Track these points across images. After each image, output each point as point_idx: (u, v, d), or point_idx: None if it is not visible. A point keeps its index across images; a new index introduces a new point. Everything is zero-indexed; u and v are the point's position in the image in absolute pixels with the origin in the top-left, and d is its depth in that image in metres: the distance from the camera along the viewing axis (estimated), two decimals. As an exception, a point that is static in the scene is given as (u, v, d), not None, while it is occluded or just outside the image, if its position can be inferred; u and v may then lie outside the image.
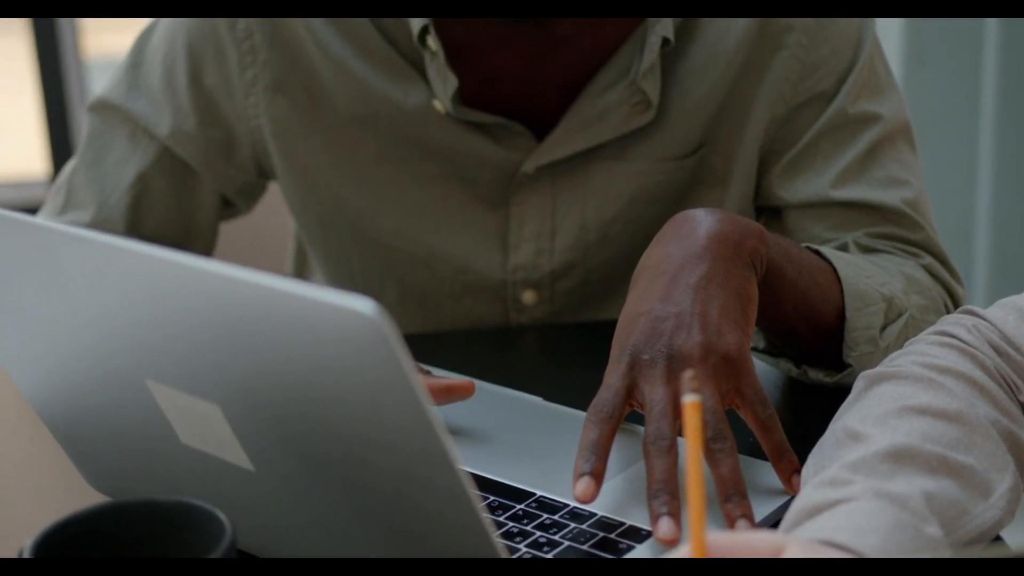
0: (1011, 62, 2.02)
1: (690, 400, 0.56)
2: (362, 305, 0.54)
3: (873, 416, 0.72)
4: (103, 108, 1.15)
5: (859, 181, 1.07)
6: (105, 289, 0.66)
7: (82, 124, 2.48)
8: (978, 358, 0.77)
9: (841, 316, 0.94)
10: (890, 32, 2.01)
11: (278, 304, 0.58)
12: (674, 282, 0.82)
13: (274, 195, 1.20)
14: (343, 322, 0.56)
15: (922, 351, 0.78)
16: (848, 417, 0.74)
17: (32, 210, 2.29)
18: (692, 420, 0.56)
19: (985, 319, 0.80)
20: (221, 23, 1.08)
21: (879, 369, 0.77)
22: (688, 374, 0.59)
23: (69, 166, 1.17)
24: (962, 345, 0.78)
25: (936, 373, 0.75)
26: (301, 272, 1.28)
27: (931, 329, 0.82)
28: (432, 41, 1.03)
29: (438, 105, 1.06)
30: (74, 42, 2.53)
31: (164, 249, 0.61)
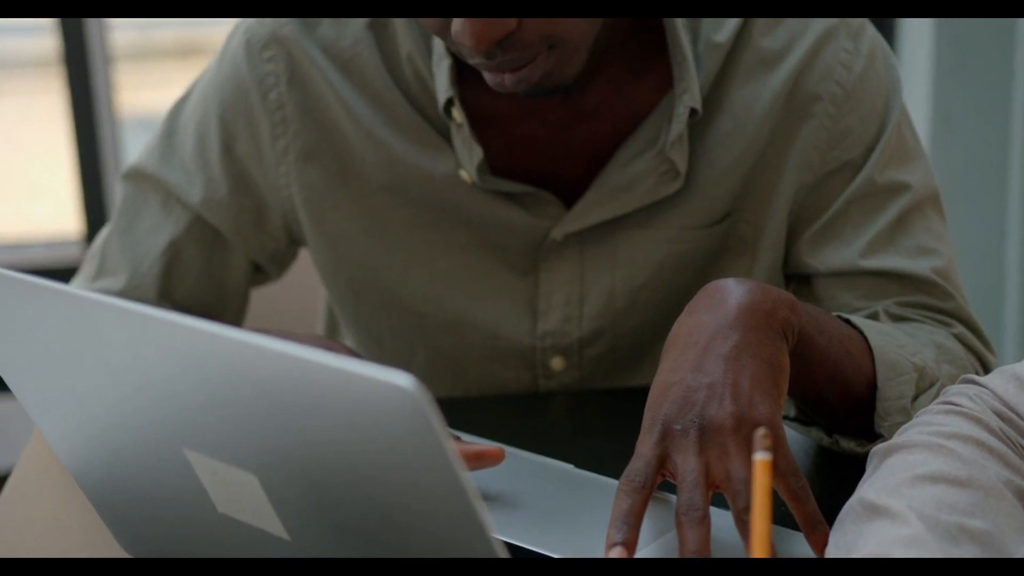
0: (1039, 125, 2.02)
1: (760, 458, 0.56)
2: (400, 379, 0.55)
3: (888, 487, 0.73)
4: (137, 176, 1.16)
5: (889, 250, 1.07)
6: (144, 359, 0.67)
7: (115, 183, 2.50)
8: (983, 421, 0.78)
9: (872, 386, 0.94)
10: (917, 95, 2.02)
11: (316, 376, 0.59)
12: (706, 352, 0.82)
13: (305, 261, 1.21)
14: (381, 395, 0.56)
15: (928, 421, 0.80)
16: (864, 490, 0.75)
17: (66, 270, 2.31)
18: (762, 478, 0.56)
19: (986, 387, 0.82)
20: (253, 93, 1.10)
21: (889, 443, 0.79)
22: (760, 432, 0.59)
23: (103, 233, 1.19)
24: (966, 411, 0.79)
25: (944, 439, 0.76)
26: (332, 337, 1.29)
27: (936, 400, 0.83)
28: (457, 113, 1.04)
29: (464, 175, 1.07)
30: (108, 100, 2.57)
31: (203, 320, 0.62)
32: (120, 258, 1.16)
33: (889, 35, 2.10)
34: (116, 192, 2.50)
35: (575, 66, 0.97)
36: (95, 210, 2.50)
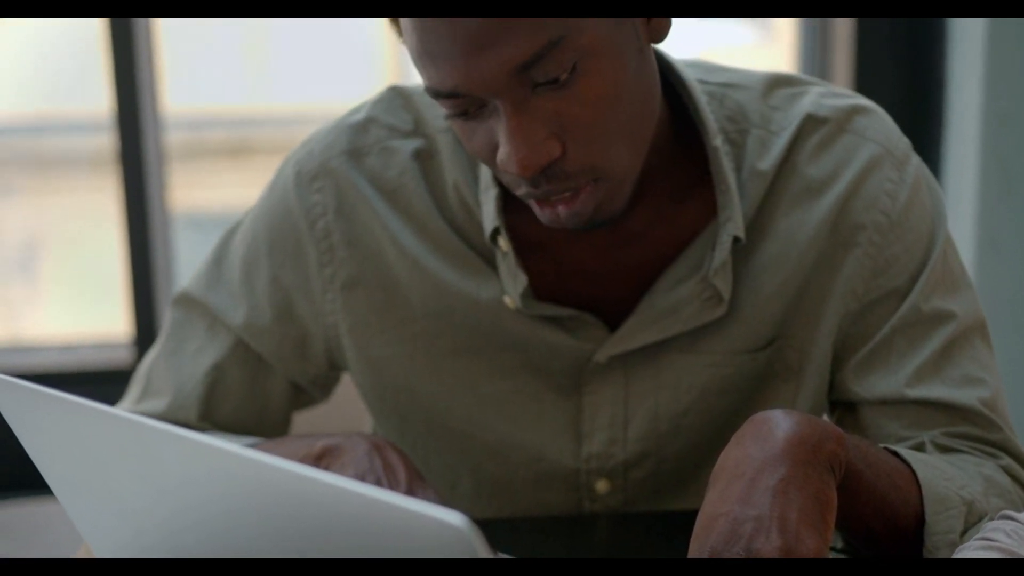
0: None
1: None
2: (451, 517, 0.56)
3: None
4: (185, 301, 1.19)
5: (935, 380, 1.07)
6: (193, 484, 0.67)
7: (165, 283, 2.53)
8: (1020, 557, 0.78)
9: (920, 519, 0.93)
10: (963, 219, 2.03)
11: (366, 510, 0.59)
12: (753, 484, 0.82)
13: (349, 383, 1.22)
14: (432, 532, 0.57)
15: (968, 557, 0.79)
16: None
17: (115, 372, 2.30)
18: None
19: (1023, 523, 0.81)
20: (301, 222, 1.13)
21: None
22: None
23: (150, 356, 1.21)
24: (1003, 547, 0.79)
25: None
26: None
27: (974, 536, 0.83)
28: (503, 242, 1.06)
29: (508, 301, 1.08)
30: (161, 199, 2.61)
31: (255, 451, 0.63)
32: (165, 380, 1.18)
33: (935, 159, 2.11)
34: (165, 293, 2.53)
35: (622, 198, 0.99)
36: (145, 311, 2.52)
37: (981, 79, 1.95)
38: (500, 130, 0.94)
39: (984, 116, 1.96)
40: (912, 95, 2.16)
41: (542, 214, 0.99)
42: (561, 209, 0.97)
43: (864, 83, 2.21)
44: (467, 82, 0.92)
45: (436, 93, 0.94)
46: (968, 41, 1.97)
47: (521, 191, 0.98)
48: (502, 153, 0.94)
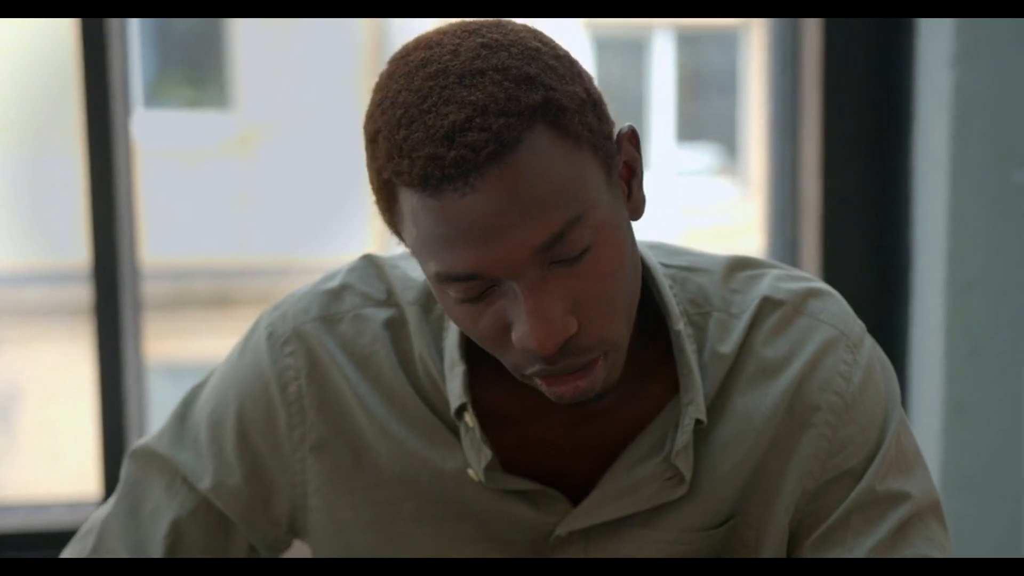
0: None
1: None
2: None
3: None
4: (144, 456, 1.18)
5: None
6: None
7: (137, 440, 2.51)
8: None
9: None
10: (930, 380, 2.04)
11: None
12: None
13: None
14: None
15: None
16: None
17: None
18: None
19: None
20: (273, 385, 1.14)
21: None
22: None
23: (104, 510, 1.19)
24: None
25: None
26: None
27: None
28: (469, 418, 1.07)
29: (472, 474, 1.09)
30: (136, 353, 2.60)
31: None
32: (120, 540, 1.16)
33: (902, 324, 2.13)
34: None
35: (619, 370, 1.02)
36: (115, 468, 2.49)
37: (945, 246, 1.98)
38: (515, 310, 0.95)
39: (950, 281, 1.99)
40: (879, 262, 2.19)
41: (550, 391, 1.00)
42: (571, 385, 0.98)
43: (831, 247, 2.25)
44: (486, 265, 0.93)
45: (449, 277, 0.95)
46: (933, 210, 2.02)
47: (532, 369, 0.99)
48: (519, 332, 0.95)
